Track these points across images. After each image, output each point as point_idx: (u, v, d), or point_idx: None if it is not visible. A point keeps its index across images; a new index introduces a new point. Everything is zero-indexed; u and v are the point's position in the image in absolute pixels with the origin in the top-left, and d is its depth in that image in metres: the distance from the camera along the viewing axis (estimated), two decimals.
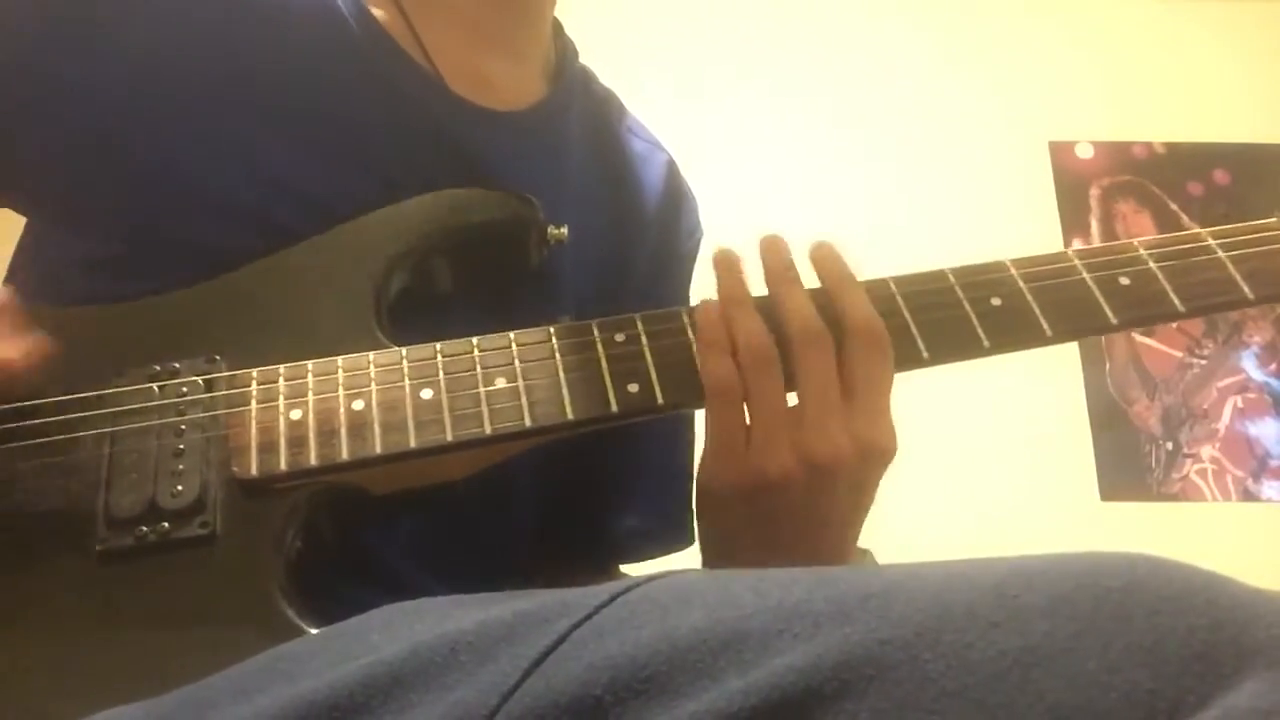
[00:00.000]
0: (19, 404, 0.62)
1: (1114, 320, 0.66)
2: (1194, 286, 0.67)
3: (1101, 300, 0.66)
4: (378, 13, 0.78)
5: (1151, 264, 0.68)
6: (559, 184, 0.79)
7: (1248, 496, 2.36)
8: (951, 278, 0.68)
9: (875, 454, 0.63)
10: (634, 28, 2.67)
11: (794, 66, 2.70)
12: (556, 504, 0.85)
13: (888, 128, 2.64)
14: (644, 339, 0.66)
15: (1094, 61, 2.74)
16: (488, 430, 0.62)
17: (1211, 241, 0.69)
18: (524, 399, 0.63)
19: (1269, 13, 2.76)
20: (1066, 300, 0.66)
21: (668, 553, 0.88)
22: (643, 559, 0.88)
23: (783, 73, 2.69)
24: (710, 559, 0.68)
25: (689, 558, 0.84)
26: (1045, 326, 0.66)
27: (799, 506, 0.62)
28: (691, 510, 0.90)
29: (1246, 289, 0.67)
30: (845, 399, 0.62)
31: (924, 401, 2.49)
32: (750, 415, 0.62)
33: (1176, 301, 0.67)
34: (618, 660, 0.37)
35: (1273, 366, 2.47)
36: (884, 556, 1.86)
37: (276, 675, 0.43)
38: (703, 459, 0.64)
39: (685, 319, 0.67)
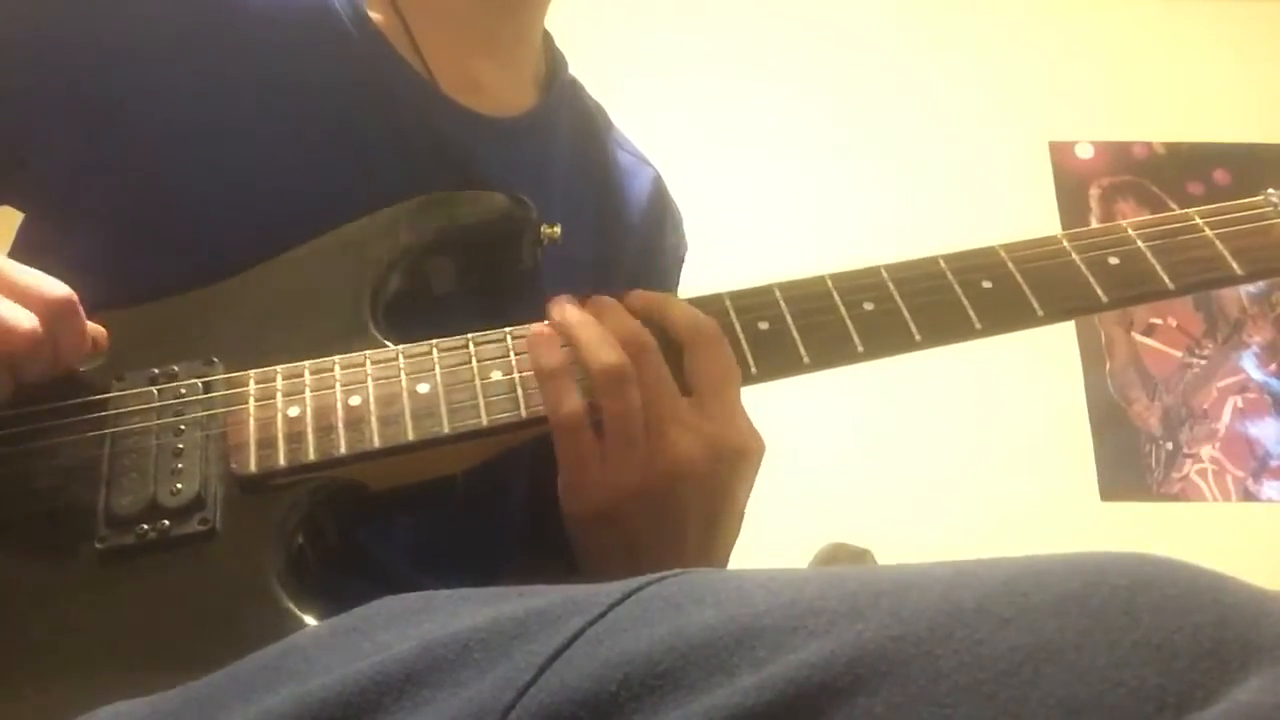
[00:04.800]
0: (18, 409, 0.62)
1: (1104, 299, 0.67)
2: (1183, 264, 0.68)
3: (1091, 280, 0.67)
4: (375, 16, 0.79)
5: (1140, 243, 0.68)
6: (545, 191, 0.79)
7: (1248, 496, 2.37)
8: (943, 263, 0.69)
9: (729, 453, 0.64)
10: (633, 25, 2.67)
11: (793, 67, 2.71)
12: (552, 511, 0.86)
13: (887, 128, 2.64)
14: None
15: (1094, 61, 2.74)
16: (484, 421, 0.63)
17: (1199, 220, 0.69)
18: (520, 390, 0.64)
19: (1269, 13, 2.76)
20: (1057, 281, 0.67)
21: None
22: None
23: (782, 73, 2.70)
24: (588, 576, 0.68)
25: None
26: (1036, 306, 0.67)
27: (655, 514, 0.63)
28: None
29: (1235, 265, 0.68)
30: (691, 403, 0.64)
31: (925, 401, 2.50)
32: (605, 434, 0.63)
33: (1166, 279, 0.67)
34: (632, 657, 0.37)
35: (1273, 366, 2.48)
36: (884, 556, 1.87)
37: (285, 673, 0.43)
38: (560, 488, 0.65)
39: None
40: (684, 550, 0.65)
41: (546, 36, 0.90)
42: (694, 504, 0.64)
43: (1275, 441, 2.42)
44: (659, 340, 0.65)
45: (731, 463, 0.64)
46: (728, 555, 0.68)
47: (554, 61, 0.89)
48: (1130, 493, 2.36)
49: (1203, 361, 2.47)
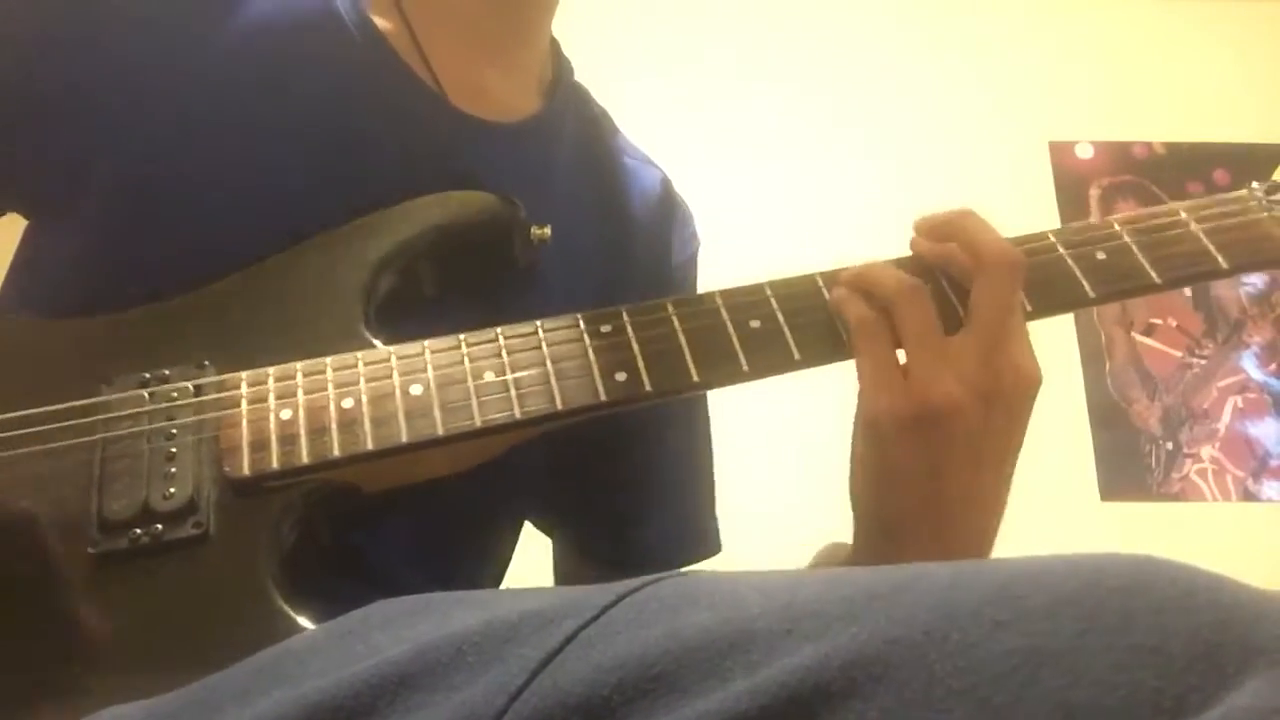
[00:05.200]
0: (8, 415, 0.62)
1: (1091, 294, 0.68)
2: (1169, 259, 0.68)
3: (1079, 275, 0.68)
4: (380, 22, 0.78)
5: (1127, 238, 0.69)
6: (547, 195, 0.79)
7: (1248, 496, 2.36)
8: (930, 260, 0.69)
9: (1028, 383, 0.64)
10: (635, 28, 2.67)
11: (792, 67, 2.71)
12: (577, 515, 0.86)
13: (888, 128, 2.64)
14: (629, 330, 0.67)
15: (1094, 61, 2.74)
16: (478, 422, 0.62)
17: (1185, 215, 0.70)
18: (513, 391, 0.64)
19: (1269, 13, 2.76)
20: (1045, 277, 0.68)
21: (694, 562, 0.88)
22: (667, 569, 0.88)
23: (780, 73, 2.70)
24: (869, 510, 0.68)
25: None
26: (1025, 302, 0.67)
27: (962, 438, 0.63)
28: (716, 519, 0.91)
29: (1220, 259, 0.68)
30: (960, 340, 0.64)
31: None
32: (904, 345, 0.64)
33: (1152, 273, 0.68)
34: (625, 661, 0.37)
35: (1273, 366, 2.47)
36: None
37: (279, 676, 0.43)
38: (861, 394, 0.65)
39: (670, 310, 0.68)
40: (980, 488, 0.65)
41: (553, 43, 0.90)
42: (998, 431, 0.64)
43: (1275, 441, 2.41)
44: (955, 270, 0.66)
45: (1027, 393, 0.65)
46: (997, 497, 0.67)
47: (560, 68, 0.89)
48: (1130, 493, 2.35)
49: (1203, 361, 2.47)
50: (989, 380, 0.63)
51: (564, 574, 0.92)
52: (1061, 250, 0.69)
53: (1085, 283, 0.68)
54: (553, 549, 0.93)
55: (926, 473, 0.63)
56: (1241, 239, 0.69)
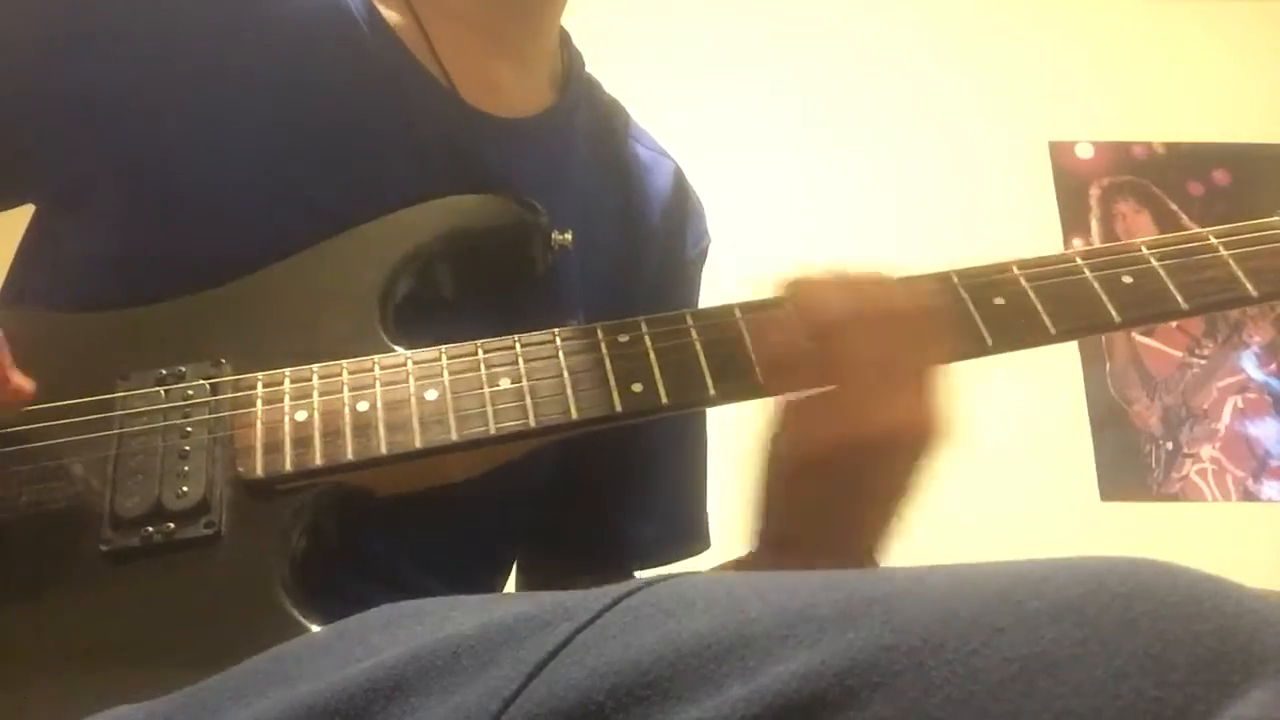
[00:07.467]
0: (24, 408, 0.62)
1: (1117, 318, 0.67)
2: (1196, 285, 0.67)
3: (1105, 299, 0.67)
4: (390, 17, 0.78)
5: (1154, 262, 0.68)
6: (563, 191, 0.79)
7: (1248, 496, 2.36)
8: (955, 279, 0.68)
9: (913, 434, 0.63)
10: (635, 32, 2.67)
11: (793, 67, 2.70)
12: (568, 509, 0.86)
13: (888, 128, 2.64)
14: (648, 340, 0.66)
15: (1094, 61, 2.74)
16: (492, 430, 0.62)
17: (1214, 240, 0.69)
18: (528, 399, 0.63)
19: (1269, 13, 2.76)
20: (1070, 299, 0.67)
21: (684, 558, 0.88)
22: (658, 565, 0.88)
23: (782, 74, 2.69)
24: (768, 532, 0.67)
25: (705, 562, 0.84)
26: (1049, 325, 0.66)
27: (864, 477, 0.62)
28: (707, 514, 0.91)
29: (1250, 286, 0.67)
30: (912, 374, 0.62)
31: None
32: (834, 379, 0.62)
33: (1180, 299, 0.67)
34: (620, 666, 0.36)
35: (1273, 366, 2.48)
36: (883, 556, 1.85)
37: (276, 678, 0.43)
38: (781, 423, 0.64)
39: (689, 320, 0.67)
40: (866, 523, 0.65)
41: (564, 35, 0.89)
42: (898, 475, 0.64)
43: (1275, 441, 2.41)
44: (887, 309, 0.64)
45: (934, 442, 0.63)
46: (884, 523, 0.67)
47: (571, 60, 0.88)
48: (1130, 493, 2.35)
49: (1203, 361, 2.47)
50: (868, 429, 0.61)
51: (529, 567, 0.91)
52: (1088, 273, 0.68)
53: (1110, 307, 0.67)
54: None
55: (810, 506, 0.63)
56: (1272, 265, 0.68)
